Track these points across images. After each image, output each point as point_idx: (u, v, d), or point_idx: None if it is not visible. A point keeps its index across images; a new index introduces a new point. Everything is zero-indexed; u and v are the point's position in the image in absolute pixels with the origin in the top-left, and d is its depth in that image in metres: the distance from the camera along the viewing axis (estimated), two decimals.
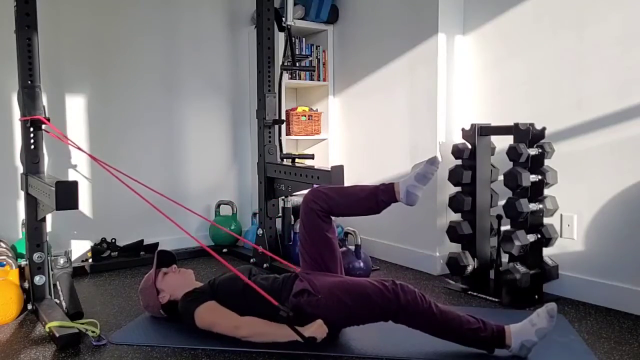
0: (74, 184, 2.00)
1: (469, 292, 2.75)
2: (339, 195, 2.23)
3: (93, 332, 2.13)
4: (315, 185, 2.36)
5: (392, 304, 1.92)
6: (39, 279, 2.44)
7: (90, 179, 3.52)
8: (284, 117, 3.63)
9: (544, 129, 2.62)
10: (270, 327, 2.04)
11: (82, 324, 2.17)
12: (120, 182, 2.39)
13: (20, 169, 2.48)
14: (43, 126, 2.44)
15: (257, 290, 2.05)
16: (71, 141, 2.57)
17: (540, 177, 2.60)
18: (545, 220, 2.68)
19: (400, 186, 2.20)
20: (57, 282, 2.54)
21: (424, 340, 2.11)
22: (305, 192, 2.61)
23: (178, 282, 2.29)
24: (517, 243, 2.51)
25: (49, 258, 2.51)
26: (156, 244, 3.57)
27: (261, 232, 3.27)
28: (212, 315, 2.10)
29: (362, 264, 2.94)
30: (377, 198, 2.20)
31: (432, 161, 2.18)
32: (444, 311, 1.96)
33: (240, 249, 3.70)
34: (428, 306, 1.93)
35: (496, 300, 2.60)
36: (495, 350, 1.95)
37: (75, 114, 3.46)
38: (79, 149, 2.51)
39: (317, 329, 1.98)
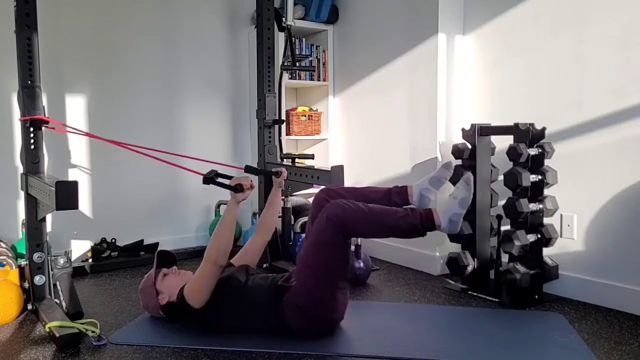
0: (74, 184, 2.00)
1: (469, 292, 2.75)
2: (352, 195, 2.25)
3: (93, 332, 2.13)
4: (317, 186, 2.37)
5: (334, 228, 1.99)
6: (39, 279, 2.44)
7: (90, 179, 3.52)
8: (284, 117, 3.63)
9: (544, 129, 2.62)
10: (219, 222, 2.13)
11: (82, 324, 2.17)
12: (142, 154, 2.39)
13: (20, 169, 2.48)
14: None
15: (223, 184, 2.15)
16: (72, 128, 2.58)
17: (540, 177, 2.60)
18: (545, 220, 2.68)
19: (413, 189, 2.22)
20: (57, 282, 2.54)
21: (424, 340, 2.12)
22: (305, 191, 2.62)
23: (178, 284, 2.28)
24: (517, 243, 2.51)
25: (49, 258, 2.51)
26: (156, 244, 3.57)
27: None
28: (191, 282, 2.13)
29: (362, 264, 2.94)
30: (391, 200, 2.23)
31: (447, 165, 2.20)
32: (372, 207, 2.04)
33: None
34: (357, 208, 2.01)
35: (496, 300, 2.60)
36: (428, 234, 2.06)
37: (75, 114, 3.46)
38: (87, 134, 2.51)
39: (237, 179, 2.11)
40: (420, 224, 2.01)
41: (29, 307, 2.47)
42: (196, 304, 2.11)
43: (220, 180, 2.17)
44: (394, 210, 2.06)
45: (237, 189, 2.11)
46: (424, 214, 2.03)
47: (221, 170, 2.26)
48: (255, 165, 3.24)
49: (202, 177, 2.16)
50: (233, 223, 2.14)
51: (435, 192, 2.21)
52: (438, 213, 2.03)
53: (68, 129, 2.77)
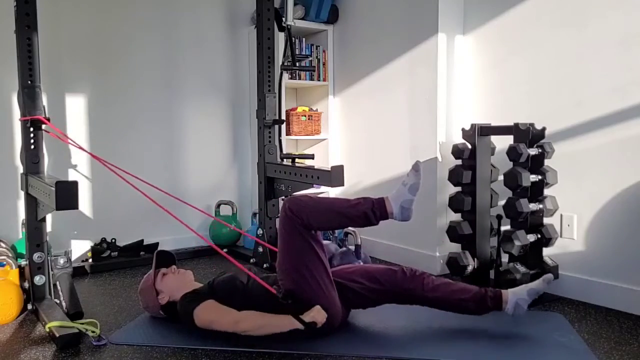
0: (74, 184, 2.00)
1: None
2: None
3: (93, 332, 2.13)
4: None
5: (291, 222, 2.04)
6: (39, 279, 2.44)
7: (90, 179, 3.52)
8: (284, 117, 3.63)
9: (544, 129, 2.62)
10: (270, 318, 2.05)
11: (82, 324, 2.17)
12: (123, 180, 2.41)
13: (20, 169, 2.48)
14: (43, 126, 2.45)
15: (258, 280, 2.11)
16: (71, 140, 2.58)
17: (540, 177, 2.60)
18: (545, 220, 2.68)
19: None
20: (57, 282, 2.54)
21: (424, 340, 2.12)
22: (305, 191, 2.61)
23: (177, 283, 2.29)
24: (517, 243, 2.51)
25: (49, 258, 2.51)
26: (156, 244, 3.57)
27: (261, 232, 3.27)
28: (210, 314, 2.10)
29: (361, 264, 2.94)
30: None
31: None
32: (320, 199, 2.12)
33: (240, 249, 3.70)
34: (310, 198, 2.09)
35: None
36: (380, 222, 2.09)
37: (75, 114, 3.46)
38: (80, 147, 2.51)
39: (316, 314, 2.01)
40: (371, 210, 2.04)
41: (29, 307, 2.47)
42: (199, 324, 2.11)
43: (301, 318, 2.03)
44: (345, 198, 2.12)
45: (310, 326, 1.99)
46: (375, 202, 2.06)
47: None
48: (261, 170, 3.20)
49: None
50: (275, 332, 2.03)
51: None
52: (390, 201, 2.06)
53: (69, 140, 2.77)
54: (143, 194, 2.33)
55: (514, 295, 2.12)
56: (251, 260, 3.36)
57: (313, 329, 1.99)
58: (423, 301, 2.19)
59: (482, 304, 2.13)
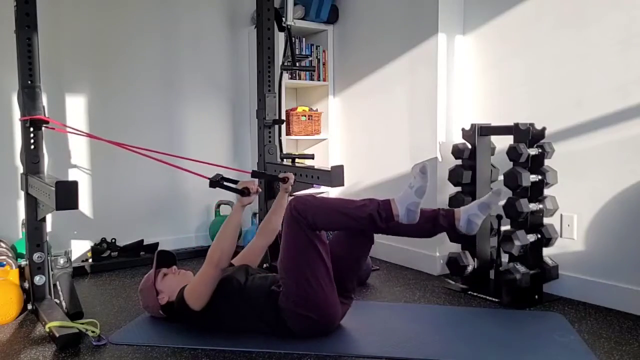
0: (74, 184, 2.00)
1: (469, 292, 2.75)
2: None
3: (93, 332, 2.13)
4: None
5: (296, 222, 2.03)
6: (39, 279, 2.44)
7: (90, 179, 3.52)
8: (284, 117, 3.63)
9: (544, 129, 2.62)
10: (224, 225, 2.14)
11: (82, 324, 2.17)
12: (143, 155, 2.43)
13: (20, 169, 2.48)
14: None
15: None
16: (72, 128, 2.58)
17: (540, 177, 2.60)
18: (545, 220, 2.68)
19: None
20: (57, 282, 2.54)
21: (424, 340, 2.12)
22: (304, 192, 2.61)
23: (177, 284, 2.28)
24: (517, 243, 2.51)
25: (49, 258, 2.51)
26: (156, 244, 3.57)
27: None
28: (192, 283, 2.14)
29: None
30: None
31: (497, 192, 2.09)
32: (326, 199, 2.14)
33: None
34: (315, 199, 2.10)
35: (496, 300, 2.60)
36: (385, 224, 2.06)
37: (75, 114, 3.46)
38: (87, 134, 2.51)
39: (245, 183, 2.13)
40: (377, 212, 2.02)
41: (29, 307, 2.47)
42: (195, 306, 2.11)
43: (226, 183, 2.17)
44: (350, 199, 2.12)
45: (244, 192, 2.12)
46: (381, 203, 2.04)
47: (227, 173, 2.27)
48: (261, 169, 3.24)
49: (208, 180, 2.15)
50: (238, 227, 2.15)
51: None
52: (396, 203, 2.04)
53: (68, 129, 2.77)
54: (163, 162, 2.36)
55: (466, 212, 2.09)
56: None
57: (246, 194, 2.13)
58: (381, 231, 2.15)
59: (435, 224, 2.12)
